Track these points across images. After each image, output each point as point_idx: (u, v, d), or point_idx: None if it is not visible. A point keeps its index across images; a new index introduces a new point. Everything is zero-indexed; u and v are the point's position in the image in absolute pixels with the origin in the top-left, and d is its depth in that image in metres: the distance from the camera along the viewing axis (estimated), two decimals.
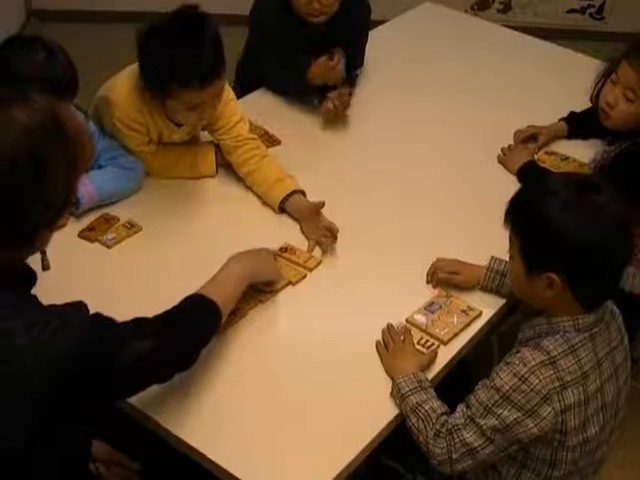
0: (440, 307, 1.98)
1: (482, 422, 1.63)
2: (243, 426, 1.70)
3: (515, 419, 1.60)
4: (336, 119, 2.63)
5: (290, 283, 2.04)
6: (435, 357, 1.85)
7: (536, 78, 2.98)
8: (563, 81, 2.93)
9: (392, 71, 2.97)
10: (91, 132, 2.25)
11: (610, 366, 1.69)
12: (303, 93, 2.64)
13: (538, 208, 1.63)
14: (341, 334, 1.92)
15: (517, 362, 1.63)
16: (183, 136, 2.38)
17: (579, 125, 2.66)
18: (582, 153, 2.58)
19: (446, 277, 2.02)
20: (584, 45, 3.59)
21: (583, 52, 3.21)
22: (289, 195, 2.25)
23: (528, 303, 1.74)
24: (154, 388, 1.75)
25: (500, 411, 1.61)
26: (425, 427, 1.69)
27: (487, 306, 2.00)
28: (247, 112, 2.58)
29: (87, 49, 4.37)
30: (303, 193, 2.27)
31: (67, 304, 1.39)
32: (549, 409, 1.60)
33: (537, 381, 1.59)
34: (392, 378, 1.79)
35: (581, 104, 2.63)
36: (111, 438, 1.80)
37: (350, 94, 2.64)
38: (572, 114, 2.69)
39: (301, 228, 2.22)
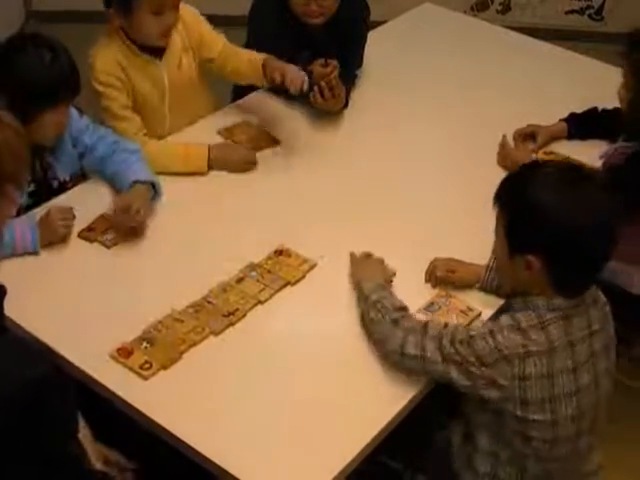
0: (440, 307, 1.98)
1: (445, 344, 1.70)
2: (242, 426, 1.70)
3: (472, 362, 1.65)
4: (328, 104, 2.60)
5: (289, 283, 2.04)
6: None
7: (535, 79, 2.98)
8: (562, 81, 2.93)
9: (392, 71, 2.97)
10: (84, 125, 2.26)
11: (586, 350, 1.70)
12: (301, 93, 2.64)
13: (527, 189, 1.66)
14: (341, 334, 1.92)
15: (492, 322, 1.72)
16: (160, 84, 2.46)
17: (579, 126, 2.66)
18: (582, 153, 2.57)
19: (444, 275, 2.04)
20: (583, 46, 3.59)
21: (582, 53, 3.21)
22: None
23: (506, 281, 1.79)
24: (153, 387, 1.75)
25: (461, 349, 1.67)
26: (383, 316, 1.79)
27: (486, 306, 1.99)
28: (246, 112, 2.60)
29: (86, 50, 4.37)
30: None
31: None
32: (507, 369, 1.63)
33: (502, 340, 1.64)
34: (357, 282, 1.94)
35: (580, 104, 2.63)
36: (108, 438, 1.79)
37: (334, 68, 2.58)
38: (572, 115, 2.68)
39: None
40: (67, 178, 2.29)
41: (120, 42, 2.39)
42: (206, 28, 2.57)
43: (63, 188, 2.29)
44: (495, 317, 1.82)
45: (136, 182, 2.17)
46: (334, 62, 2.58)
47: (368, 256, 2.04)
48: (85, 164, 2.33)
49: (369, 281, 1.91)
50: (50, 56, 2.05)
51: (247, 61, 2.56)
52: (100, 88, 2.36)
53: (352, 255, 2.06)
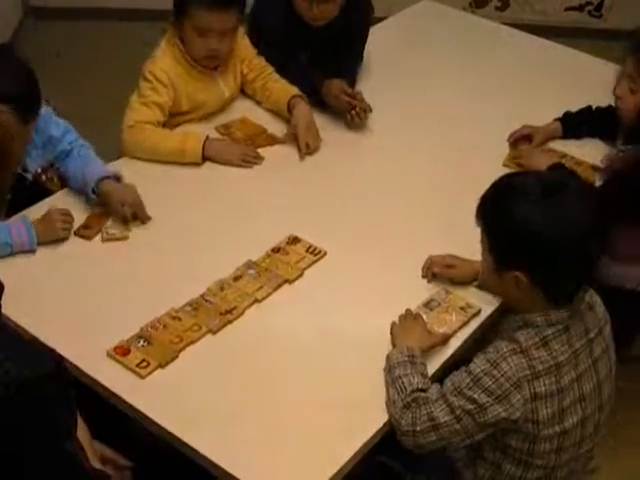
0: (439, 304, 1.98)
1: (452, 399, 1.65)
2: (240, 425, 1.69)
3: (484, 403, 1.61)
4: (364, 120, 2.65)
5: (287, 281, 2.03)
6: (442, 342, 1.86)
7: (534, 75, 2.98)
8: (561, 78, 2.93)
9: (391, 68, 2.97)
10: (47, 115, 2.23)
11: (587, 358, 1.69)
12: (305, 89, 2.64)
13: (505, 205, 1.65)
14: (338, 332, 1.91)
15: (491, 350, 1.65)
16: (218, 98, 2.56)
17: (573, 125, 2.64)
18: (577, 152, 2.57)
19: (441, 271, 2.04)
20: (582, 42, 3.59)
21: (581, 50, 3.20)
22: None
23: (502, 299, 1.76)
24: (150, 385, 1.74)
25: (470, 393, 1.63)
26: (398, 398, 1.71)
27: (485, 303, 1.99)
28: (248, 112, 2.59)
29: (84, 46, 4.37)
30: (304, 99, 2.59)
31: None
32: (519, 396, 1.61)
33: (507, 367, 1.61)
34: (392, 345, 1.83)
35: (579, 101, 2.62)
36: (105, 436, 1.78)
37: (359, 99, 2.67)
38: (567, 114, 2.67)
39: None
40: (39, 170, 2.28)
41: (179, 54, 2.47)
42: (246, 41, 2.65)
43: (37, 181, 2.28)
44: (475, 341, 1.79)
45: (103, 178, 2.16)
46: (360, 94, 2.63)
47: (414, 317, 1.90)
48: (50, 156, 2.30)
49: (399, 350, 1.79)
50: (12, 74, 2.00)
51: (280, 86, 2.65)
52: (150, 77, 2.43)
53: (393, 324, 1.89)
